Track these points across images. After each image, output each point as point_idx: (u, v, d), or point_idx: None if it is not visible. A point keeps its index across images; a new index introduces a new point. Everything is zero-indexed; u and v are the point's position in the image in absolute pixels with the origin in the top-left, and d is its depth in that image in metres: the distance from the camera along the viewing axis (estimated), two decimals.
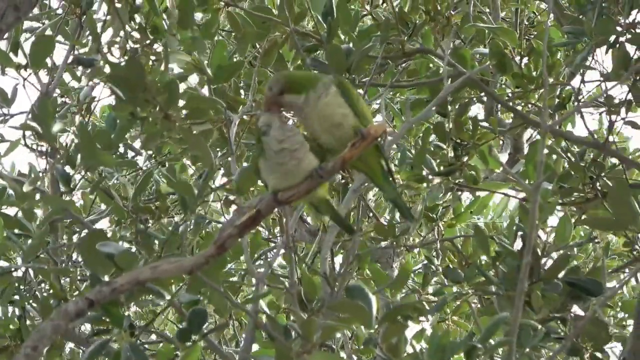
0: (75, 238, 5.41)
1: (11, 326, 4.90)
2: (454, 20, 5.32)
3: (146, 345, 5.12)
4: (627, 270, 5.24)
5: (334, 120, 3.37)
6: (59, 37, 5.77)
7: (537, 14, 6.53)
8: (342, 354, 4.82)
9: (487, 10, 6.21)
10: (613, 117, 4.89)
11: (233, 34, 5.33)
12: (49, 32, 5.78)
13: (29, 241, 4.69)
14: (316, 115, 3.38)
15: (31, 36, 5.83)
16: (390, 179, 3.60)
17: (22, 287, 5.01)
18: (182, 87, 4.57)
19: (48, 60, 5.43)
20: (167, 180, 4.97)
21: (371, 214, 6.20)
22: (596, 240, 5.71)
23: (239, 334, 5.95)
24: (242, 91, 5.21)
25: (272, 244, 6.73)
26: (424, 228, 6.02)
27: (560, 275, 4.01)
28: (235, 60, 4.94)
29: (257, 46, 5.31)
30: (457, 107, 5.21)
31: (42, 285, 5.33)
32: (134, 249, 4.58)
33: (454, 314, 5.92)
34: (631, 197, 3.68)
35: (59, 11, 6.04)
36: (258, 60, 5.11)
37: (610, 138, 4.93)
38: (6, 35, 4.93)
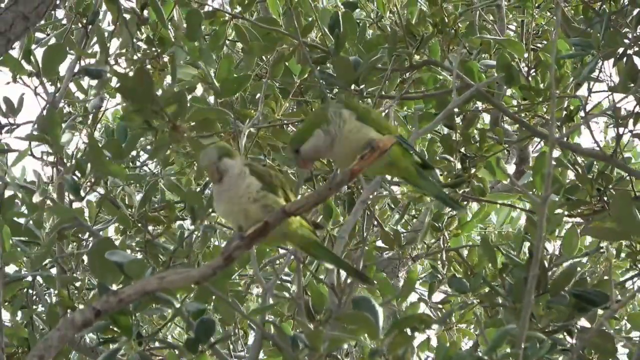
0: (83, 247, 5.41)
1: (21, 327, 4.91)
2: (461, 31, 5.32)
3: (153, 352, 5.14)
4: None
5: (359, 144, 3.36)
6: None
7: (543, 24, 6.54)
8: None
9: (492, 18, 6.22)
10: (620, 129, 4.89)
11: (240, 46, 5.34)
12: (53, 41, 5.80)
13: (37, 249, 4.69)
14: (343, 146, 3.37)
15: (37, 47, 5.84)
16: (427, 174, 3.58)
17: (29, 294, 5.02)
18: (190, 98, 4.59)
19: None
20: (176, 190, 4.98)
21: (376, 224, 6.20)
22: (601, 251, 5.71)
23: (243, 344, 5.95)
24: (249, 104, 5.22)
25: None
26: (430, 238, 6.02)
27: (567, 287, 4.01)
28: (242, 73, 4.95)
29: (264, 58, 5.33)
30: (464, 118, 5.21)
31: (50, 292, 5.34)
32: (142, 258, 4.59)
33: (459, 322, 5.92)
34: (634, 207, 3.69)
35: (64, 22, 6.05)
36: (268, 73, 5.12)
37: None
38: (16, 45, 4.95)
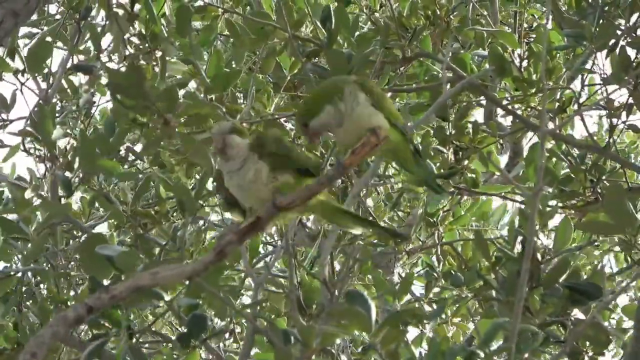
0: (74, 243, 5.40)
1: (9, 326, 4.89)
2: (453, 24, 5.30)
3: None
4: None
5: (369, 126, 3.32)
6: (58, 43, 5.77)
7: (536, 17, 6.52)
8: (343, 358, 4.82)
9: (486, 13, 6.20)
10: (613, 120, 4.88)
11: (231, 40, 5.32)
12: (47, 38, 5.78)
13: (28, 245, 4.68)
14: (351, 128, 3.33)
15: (30, 42, 5.83)
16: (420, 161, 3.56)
17: (21, 291, 5.00)
18: (181, 93, 4.58)
19: (46, 66, 5.43)
20: (164, 184, 4.97)
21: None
22: (595, 244, 5.70)
23: (237, 339, 5.94)
24: (239, 99, 5.20)
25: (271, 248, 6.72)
26: (424, 232, 6.01)
27: (561, 279, 4.01)
28: (232, 67, 4.93)
29: (255, 53, 5.31)
30: (457, 111, 5.20)
31: (41, 288, 5.33)
32: (132, 250, 4.58)
33: (454, 316, 5.91)
34: (627, 200, 3.69)
35: (57, 17, 6.04)
36: (256, 67, 5.10)
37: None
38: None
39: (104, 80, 5.67)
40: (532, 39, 5.78)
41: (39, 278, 5.19)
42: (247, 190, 3.36)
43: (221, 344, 5.83)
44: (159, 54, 5.07)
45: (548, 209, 4.29)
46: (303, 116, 3.40)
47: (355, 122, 3.33)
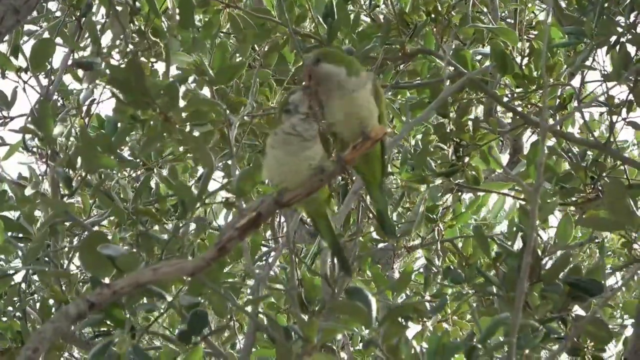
0: (75, 241, 5.39)
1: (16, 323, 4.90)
2: (454, 20, 5.31)
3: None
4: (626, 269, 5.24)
5: (361, 114, 3.32)
6: (58, 40, 5.76)
7: (536, 14, 6.53)
8: (343, 355, 4.83)
9: (486, 10, 6.21)
10: (614, 117, 4.88)
11: (233, 36, 5.33)
12: (47, 35, 5.79)
13: (30, 244, 4.68)
14: (349, 101, 3.35)
15: (29, 39, 5.82)
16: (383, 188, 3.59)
17: (22, 289, 5.00)
18: (182, 88, 4.57)
19: (48, 63, 5.43)
20: (166, 183, 4.97)
21: (371, 215, 6.19)
22: (596, 240, 5.71)
23: (238, 336, 5.94)
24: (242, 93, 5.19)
25: (273, 246, 6.71)
26: (424, 229, 6.01)
27: (561, 275, 4.01)
28: (236, 61, 4.93)
29: (258, 48, 5.31)
30: (457, 107, 5.20)
31: (42, 287, 5.33)
32: (134, 251, 4.58)
33: (454, 314, 5.91)
34: (627, 196, 3.69)
35: (58, 14, 6.04)
36: (258, 61, 5.11)
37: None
38: (6, 38, 4.93)
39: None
40: (532, 36, 5.78)
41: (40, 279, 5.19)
42: (298, 150, 3.31)
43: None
44: (159, 50, 5.07)
45: (548, 202, 4.30)
46: (321, 54, 3.38)
47: (351, 102, 3.32)
